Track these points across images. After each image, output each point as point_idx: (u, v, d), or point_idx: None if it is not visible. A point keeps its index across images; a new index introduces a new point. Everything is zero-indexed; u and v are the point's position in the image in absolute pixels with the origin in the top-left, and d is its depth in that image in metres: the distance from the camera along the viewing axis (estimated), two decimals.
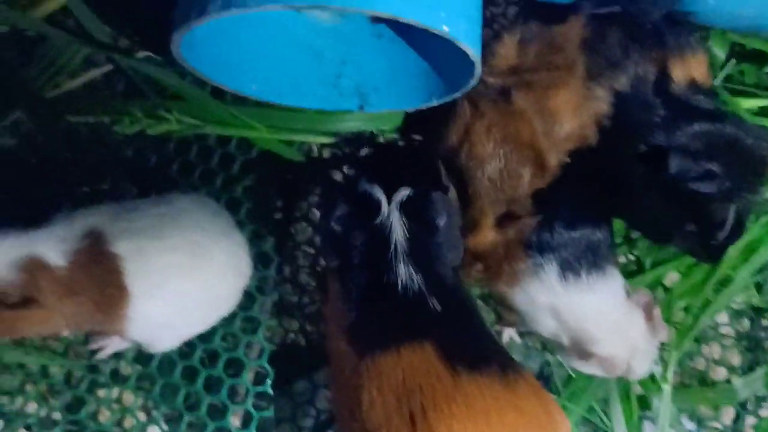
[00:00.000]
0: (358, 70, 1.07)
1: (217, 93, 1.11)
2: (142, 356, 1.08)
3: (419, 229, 0.91)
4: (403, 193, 0.92)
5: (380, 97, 1.07)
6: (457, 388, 0.80)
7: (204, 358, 1.09)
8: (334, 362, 0.92)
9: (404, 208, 0.91)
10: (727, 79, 1.19)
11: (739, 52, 1.20)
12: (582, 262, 0.97)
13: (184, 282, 0.98)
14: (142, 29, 1.14)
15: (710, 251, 1.01)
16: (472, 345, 0.86)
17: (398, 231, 0.90)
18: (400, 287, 0.88)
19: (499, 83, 0.99)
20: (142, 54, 1.13)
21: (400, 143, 1.15)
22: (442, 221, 0.91)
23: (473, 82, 0.93)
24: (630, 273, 1.17)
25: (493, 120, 0.99)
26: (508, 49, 1.00)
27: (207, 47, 0.96)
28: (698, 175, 0.93)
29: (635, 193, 0.99)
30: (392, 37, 1.05)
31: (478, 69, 0.89)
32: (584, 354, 0.99)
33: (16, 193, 1.08)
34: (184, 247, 0.97)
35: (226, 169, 1.15)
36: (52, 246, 0.93)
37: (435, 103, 1.02)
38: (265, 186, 1.14)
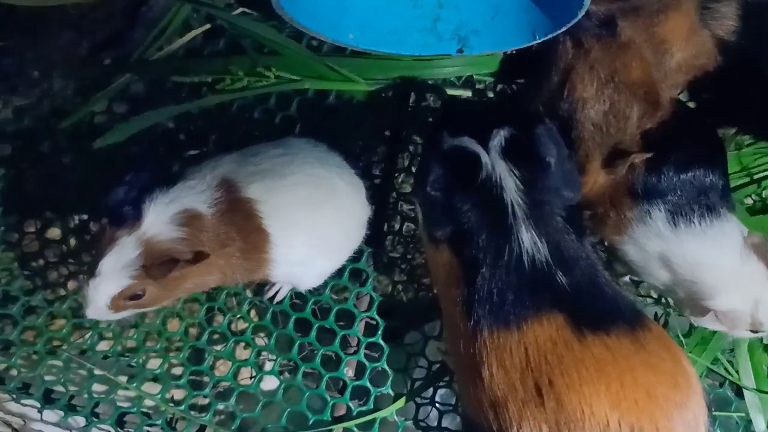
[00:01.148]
0: (456, 13, 1.05)
1: (315, 48, 1.11)
2: (256, 309, 1.11)
3: (532, 175, 0.82)
4: (500, 136, 0.83)
5: (480, 39, 1.05)
6: (585, 352, 0.77)
7: (315, 310, 1.11)
8: (448, 327, 0.90)
9: (507, 153, 0.83)
10: None
11: None
12: (694, 206, 0.92)
13: (316, 214, 0.98)
14: None
15: None
16: (598, 304, 0.82)
17: (510, 185, 0.82)
18: (525, 258, 0.81)
19: (602, 11, 0.93)
20: (239, 10, 1.14)
21: (493, 95, 1.09)
22: (552, 156, 0.83)
23: (582, 12, 0.88)
24: (755, 212, 1.10)
25: (598, 57, 0.93)
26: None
27: (304, 1, 0.95)
28: None
29: None
30: None
31: None
32: (702, 310, 0.93)
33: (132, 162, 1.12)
34: (309, 181, 0.97)
35: (326, 121, 1.14)
36: (197, 198, 0.94)
37: (539, 40, 0.98)
38: (365, 137, 1.13)
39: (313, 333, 1.09)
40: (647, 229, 0.93)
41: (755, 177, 1.10)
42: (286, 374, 1.12)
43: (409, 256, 1.15)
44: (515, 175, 0.82)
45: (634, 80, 0.92)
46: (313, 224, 0.98)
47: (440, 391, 1.11)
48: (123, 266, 0.89)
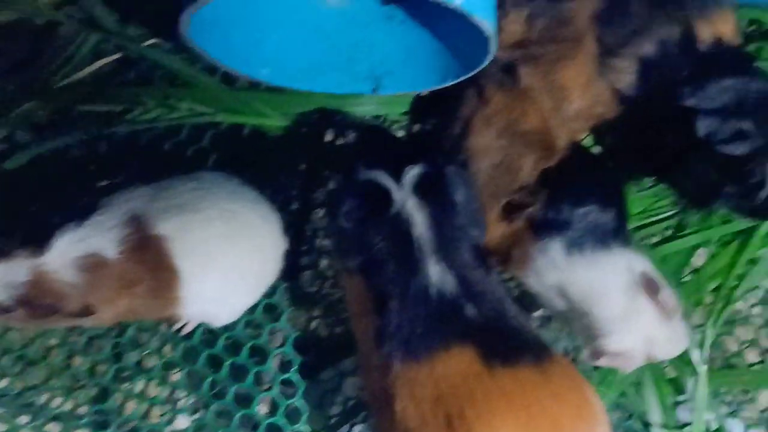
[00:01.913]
0: (371, 53, 1.06)
1: (229, 81, 1.11)
2: (166, 346, 1.08)
3: (439, 211, 0.85)
4: (413, 172, 0.86)
5: (394, 79, 1.06)
6: (494, 384, 0.78)
7: (228, 346, 1.09)
8: (362, 360, 0.91)
9: (417, 189, 0.85)
10: None
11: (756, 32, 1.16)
12: (588, 238, 0.95)
13: (231, 250, 0.97)
14: (151, 15, 1.13)
15: (757, 210, 0.98)
16: (507, 337, 0.84)
17: (418, 220, 0.84)
18: (433, 291, 0.83)
19: (505, 57, 0.96)
20: (151, 41, 1.12)
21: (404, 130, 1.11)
22: (461, 196, 0.86)
23: (489, 58, 0.90)
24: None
25: (497, 106, 0.96)
26: (515, 24, 0.97)
27: (216, 31, 0.95)
28: (728, 136, 0.91)
29: (672, 158, 0.97)
30: (403, 18, 1.03)
31: (494, 45, 0.86)
32: (596, 353, 0.96)
33: (38, 191, 1.08)
34: (223, 216, 0.96)
35: (241, 155, 1.13)
36: (105, 237, 0.90)
37: (450, 83, 1.00)
38: (280, 172, 1.13)
39: (225, 370, 1.07)
40: (547, 260, 0.96)
41: (657, 217, 1.15)
42: (199, 412, 1.10)
43: (325, 291, 1.15)
44: (425, 212, 0.84)
45: (531, 128, 0.95)
46: (227, 260, 0.97)
47: (357, 427, 1.10)
48: (4, 282, 0.86)
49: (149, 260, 0.92)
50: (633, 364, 0.96)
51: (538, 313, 1.13)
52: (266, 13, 1.01)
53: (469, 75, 0.96)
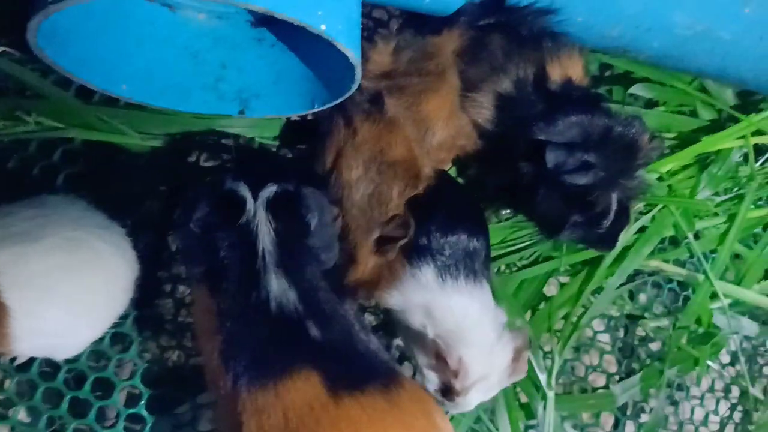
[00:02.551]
0: (239, 75, 1.04)
1: (85, 95, 1.04)
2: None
3: (289, 230, 0.85)
4: (270, 189, 0.86)
5: (262, 102, 1.04)
6: (340, 413, 0.77)
7: (69, 379, 1.01)
8: (211, 387, 0.87)
9: (271, 206, 0.85)
10: None
11: (608, 76, 1.29)
12: (460, 266, 0.98)
13: (73, 281, 0.91)
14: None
15: (603, 239, 1.05)
16: (353, 363, 0.83)
17: (265, 234, 0.84)
18: (273, 305, 0.82)
19: (372, 87, 0.98)
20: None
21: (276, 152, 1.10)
22: (314, 219, 0.86)
23: (354, 86, 0.91)
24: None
25: (365, 136, 0.97)
26: (382, 55, 1.00)
27: (71, 42, 0.90)
28: (574, 167, 0.97)
29: (526, 190, 1.02)
30: (273, 41, 1.02)
31: (359, 73, 0.88)
32: (440, 356, 0.97)
33: None
34: (65, 244, 0.90)
35: (94, 173, 1.07)
36: None
37: (317, 109, 1.00)
38: (138, 192, 1.07)
39: (65, 405, 0.99)
40: (416, 283, 0.98)
41: (514, 248, 1.21)
42: None
43: (180, 319, 1.10)
44: (272, 225, 0.84)
45: (397, 158, 0.97)
46: (70, 292, 0.91)
47: None
48: None
49: None
50: (458, 385, 0.97)
51: (397, 340, 1.15)
52: (128, 27, 0.97)
53: (336, 102, 0.98)
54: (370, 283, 0.99)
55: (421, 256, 0.98)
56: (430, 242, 0.98)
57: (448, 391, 0.98)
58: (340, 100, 0.97)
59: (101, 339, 1.01)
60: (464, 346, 0.96)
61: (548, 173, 0.97)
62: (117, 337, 1.03)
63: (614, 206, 0.99)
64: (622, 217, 1.01)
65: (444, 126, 1.00)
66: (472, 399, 0.99)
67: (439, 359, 0.98)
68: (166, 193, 1.10)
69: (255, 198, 0.85)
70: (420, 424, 0.81)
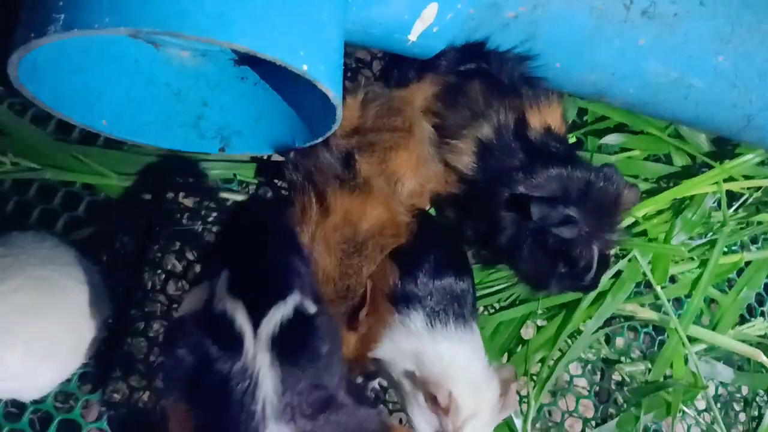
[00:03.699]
0: (221, 113, 1.04)
1: (64, 132, 1.04)
2: None
3: (291, 370, 0.73)
4: (274, 319, 0.74)
5: (243, 140, 1.05)
6: None
7: (34, 420, 0.98)
8: None
9: (276, 342, 0.73)
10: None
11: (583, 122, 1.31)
12: (448, 311, 0.98)
13: (38, 322, 0.88)
14: None
15: (585, 287, 1.07)
16: None
17: (267, 384, 0.72)
18: None
19: (343, 144, 0.99)
20: None
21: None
22: (324, 348, 0.75)
23: (335, 126, 0.92)
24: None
25: (337, 217, 0.95)
26: (350, 110, 1.01)
27: (51, 76, 0.89)
28: (558, 221, 0.98)
29: (506, 241, 1.03)
30: (256, 80, 1.03)
31: (339, 113, 0.89)
32: (435, 389, 0.95)
33: None
34: (31, 285, 0.88)
35: (70, 210, 1.06)
36: None
37: (298, 146, 1.00)
38: (113, 231, 1.06)
39: None
40: (406, 330, 0.97)
41: (492, 290, 1.21)
42: None
43: (152, 359, 1.07)
44: (277, 372, 0.73)
45: (372, 224, 0.96)
46: (33, 333, 0.88)
47: None
48: None
49: None
50: (452, 423, 0.95)
51: (375, 385, 1.13)
52: (110, 62, 0.97)
53: (317, 140, 0.98)
54: (362, 355, 0.98)
55: (409, 304, 0.97)
56: (417, 289, 0.98)
57: None
58: (321, 139, 0.97)
59: (69, 379, 0.98)
60: (453, 383, 0.95)
61: (532, 227, 0.98)
62: (85, 376, 1.00)
63: (596, 259, 1.00)
64: (603, 265, 1.03)
65: (412, 176, 1.01)
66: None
67: (430, 400, 0.96)
68: (142, 230, 1.08)
69: (256, 322, 0.73)
70: None
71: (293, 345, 0.74)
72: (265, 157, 1.12)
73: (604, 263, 1.03)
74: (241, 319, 0.73)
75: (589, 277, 1.02)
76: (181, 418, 0.76)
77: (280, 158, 1.09)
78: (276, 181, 1.12)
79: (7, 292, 0.86)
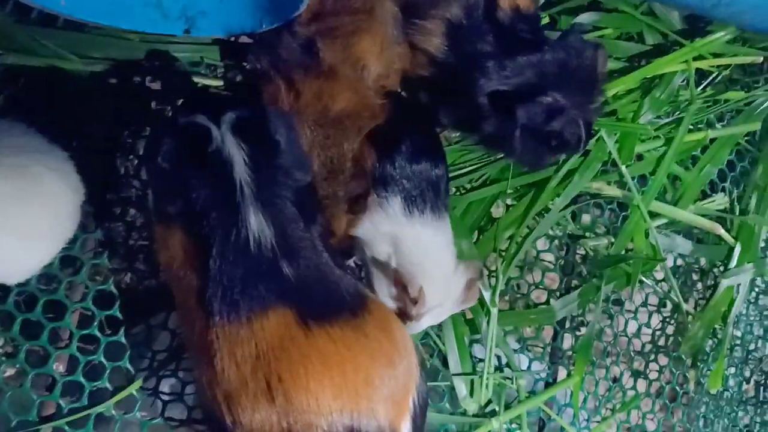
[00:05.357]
0: None
1: (22, 15, 1.00)
2: None
3: (258, 152, 0.81)
4: (233, 114, 0.82)
5: (208, 21, 1.02)
6: (310, 345, 0.79)
7: (20, 302, 1.01)
8: (182, 314, 0.87)
9: (238, 131, 0.81)
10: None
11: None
12: (426, 198, 1.00)
13: (15, 209, 0.89)
14: None
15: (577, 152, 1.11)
16: (323, 295, 0.84)
17: (239, 161, 0.81)
18: (252, 243, 0.80)
19: (304, 32, 0.97)
20: None
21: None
22: (282, 136, 0.83)
23: (303, 6, 0.90)
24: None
25: (307, 98, 0.95)
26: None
27: None
28: (545, 115, 0.99)
29: (496, 131, 1.04)
30: None
31: None
32: (400, 284, 1.00)
33: None
34: (6, 172, 0.88)
35: (34, 95, 1.04)
36: None
37: (264, 29, 0.98)
38: (81, 116, 1.05)
39: (16, 327, 0.99)
40: (384, 213, 1.00)
41: (463, 171, 1.23)
42: None
43: (131, 242, 1.10)
44: (244, 151, 0.81)
45: (343, 106, 0.96)
46: (10, 219, 0.89)
47: (165, 381, 1.08)
48: None
49: None
50: (415, 310, 1.00)
51: (351, 263, 1.18)
52: None
53: (284, 22, 0.96)
54: (349, 236, 1.01)
55: (387, 186, 0.99)
56: (395, 171, 0.99)
57: (402, 316, 1.01)
58: (287, 21, 0.95)
59: (50, 263, 1.00)
60: (425, 278, 0.99)
61: (520, 124, 1.00)
62: (67, 260, 1.03)
63: (585, 132, 1.02)
64: (589, 130, 1.06)
65: (377, 61, 1.00)
66: (423, 323, 1.04)
67: (399, 287, 1.01)
68: (112, 115, 1.08)
69: (218, 125, 0.82)
70: (383, 348, 0.85)
71: (252, 132, 0.82)
72: (231, 40, 1.09)
73: (590, 129, 1.05)
74: (202, 119, 0.81)
75: (582, 148, 1.06)
76: (177, 243, 0.83)
77: (246, 40, 1.07)
78: (244, 63, 1.10)
79: None
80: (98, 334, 1.03)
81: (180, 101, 1.00)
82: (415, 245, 1.00)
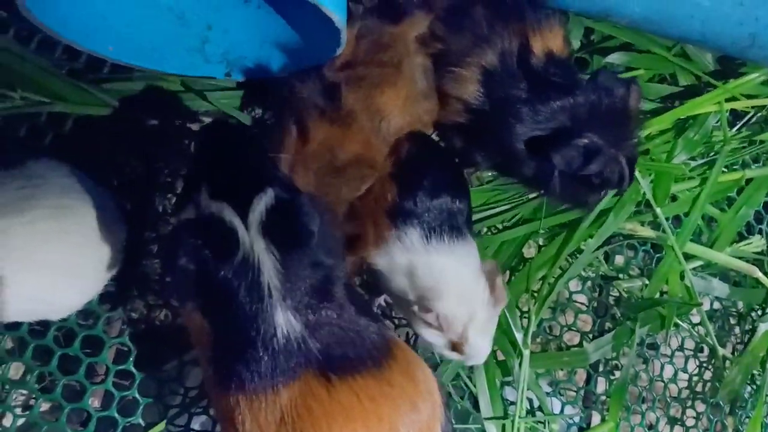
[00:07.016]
0: (225, 36, 1.05)
1: (72, 58, 1.04)
2: None
3: (288, 252, 0.77)
4: (262, 204, 0.78)
5: (247, 64, 1.05)
6: (333, 400, 0.79)
7: (59, 337, 1.03)
8: (204, 370, 0.87)
9: (267, 228, 0.77)
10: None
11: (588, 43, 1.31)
12: (444, 227, 1.01)
13: (59, 248, 0.92)
14: None
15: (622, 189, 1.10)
16: (345, 348, 0.83)
17: (269, 268, 0.77)
18: (279, 336, 0.78)
19: (331, 77, 0.99)
20: None
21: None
22: (315, 226, 0.78)
23: (339, 49, 0.92)
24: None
25: (315, 145, 0.97)
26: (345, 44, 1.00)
27: (57, 4, 0.90)
28: (583, 159, 1.00)
29: (536, 175, 1.06)
30: (259, 3, 1.03)
31: (344, 36, 0.89)
32: (424, 308, 1.00)
33: None
34: (50, 214, 0.91)
35: (80, 135, 1.07)
36: None
37: (302, 67, 1.01)
38: (124, 156, 1.08)
39: (55, 361, 1.01)
40: (402, 245, 1.00)
41: (495, 210, 1.24)
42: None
43: (167, 279, 1.12)
44: (275, 255, 0.77)
45: (349, 157, 0.98)
46: (55, 260, 0.92)
47: (197, 418, 1.08)
48: None
49: None
50: (451, 334, 1.00)
51: (381, 301, 1.18)
52: None
53: (321, 62, 0.98)
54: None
55: (406, 220, 1.00)
56: (415, 206, 1.00)
57: (455, 347, 1.01)
58: (324, 62, 0.98)
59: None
60: (439, 301, 0.99)
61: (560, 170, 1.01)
62: (105, 296, 1.05)
63: (627, 168, 1.03)
64: (632, 165, 1.06)
65: (398, 114, 1.02)
66: (478, 344, 1.01)
67: (423, 310, 1.00)
68: (151, 155, 1.11)
69: (243, 218, 0.77)
70: (407, 395, 0.84)
71: (283, 227, 0.78)
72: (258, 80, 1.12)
73: (633, 164, 1.06)
74: (230, 215, 0.77)
75: (625, 185, 1.05)
76: (197, 324, 0.82)
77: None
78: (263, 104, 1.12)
79: (28, 222, 0.90)
80: (133, 369, 1.05)
81: (203, 161, 0.92)
82: (428, 270, 1.01)
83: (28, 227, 0.90)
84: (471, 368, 1.18)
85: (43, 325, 1.02)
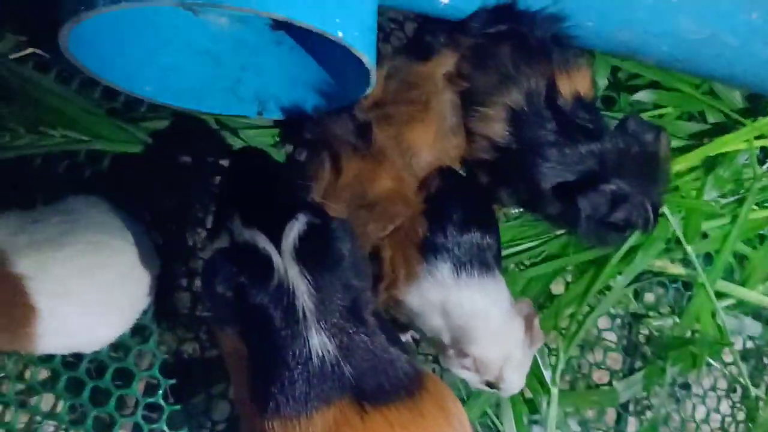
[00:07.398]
0: (258, 77, 1.07)
1: (110, 98, 1.07)
2: (23, 371, 1.03)
3: (321, 276, 0.80)
4: (295, 231, 0.81)
5: (279, 103, 1.08)
6: (366, 429, 0.79)
7: (90, 369, 1.05)
8: (237, 397, 0.89)
9: (300, 256, 0.80)
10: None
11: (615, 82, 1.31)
12: (474, 262, 1.01)
13: (95, 283, 0.94)
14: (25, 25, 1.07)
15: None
16: (378, 377, 0.83)
17: (302, 290, 0.80)
18: (315, 358, 0.80)
19: (362, 117, 1.01)
20: (27, 51, 1.07)
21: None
22: (347, 250, 0.82)
23: (369, 89, 0.94)
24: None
25: (347, 178, 0.99)
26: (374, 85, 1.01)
27: (98, 45, 0.93)
28: (609, 206, 1.01)
29: (561, 214, 1.07)
30: (292, 44, 1.06)
31: (374, 77, 0.91)
32: (461, 353, 1.00)
33: None
34: (88, 249, 0.94)
35: (117, 171, 1.10)
36: None
37: (333, 107, 1.03)
38: (157, 192, 1.11)
39: (86, 393, 1.03)
40: (433, 280, 1.01)
41: (523, 246, 1.24)
42: None
43: (197, 313, 1.13)
44: (308, 279, 0.80)
45: (380, 193, 0.99)
46: (90, 294, 0.95)
47: None
48: None
49: (5, 296, 0.90)
50: (488, 375, 1.00)
51: (408, 338, 1.18)
52: (152, 30, 1.01)
53: (353, 101, 1.01)
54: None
55: (437, 254, 1.00)
56: (446, 240, 1.01)
57: (490, 384, 1.02)
58: (355, 101, 1.00)
59: None
60: (474, 344, 0.99)
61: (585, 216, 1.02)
62: (137, 329, 1.06)
63: (653, 215, 1.03)
64: (657, 211, 1.06)
65: (428, 150, 1.03)
66: (513, 382, 1.02)
67: (459, 354, 1.01)
68: (184, 192, 1.13)
69: (276, 244, 0.81)
70: (440, 426, 0.84)
71: (315, 252, 0.81)
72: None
73: (657, 212, 1.06)
74: (263, 242, 0.80)
75: (650, 230, 1.06)
76: (236, 349, 0.84)
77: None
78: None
79: (65, 257, 0.92)
80: (162, 402, 1.06)
81: (234, 188, 0.96)
82: (460, 308, 1.01)
83: (65, 262, 0.92)
84: (498, 406, 1.17)
85: (76, 357, 1.04)
